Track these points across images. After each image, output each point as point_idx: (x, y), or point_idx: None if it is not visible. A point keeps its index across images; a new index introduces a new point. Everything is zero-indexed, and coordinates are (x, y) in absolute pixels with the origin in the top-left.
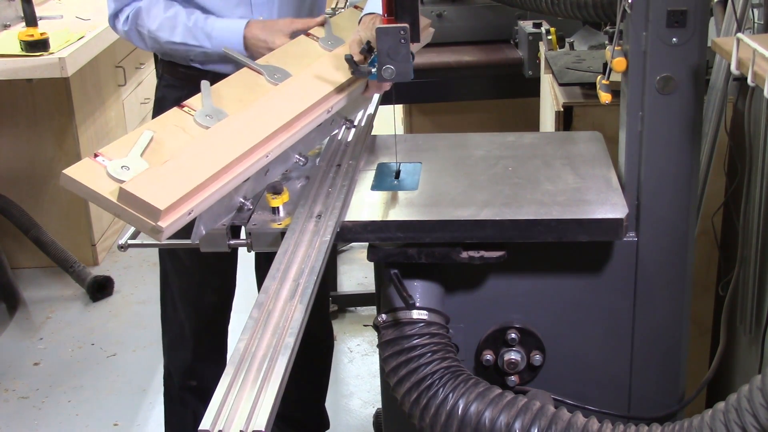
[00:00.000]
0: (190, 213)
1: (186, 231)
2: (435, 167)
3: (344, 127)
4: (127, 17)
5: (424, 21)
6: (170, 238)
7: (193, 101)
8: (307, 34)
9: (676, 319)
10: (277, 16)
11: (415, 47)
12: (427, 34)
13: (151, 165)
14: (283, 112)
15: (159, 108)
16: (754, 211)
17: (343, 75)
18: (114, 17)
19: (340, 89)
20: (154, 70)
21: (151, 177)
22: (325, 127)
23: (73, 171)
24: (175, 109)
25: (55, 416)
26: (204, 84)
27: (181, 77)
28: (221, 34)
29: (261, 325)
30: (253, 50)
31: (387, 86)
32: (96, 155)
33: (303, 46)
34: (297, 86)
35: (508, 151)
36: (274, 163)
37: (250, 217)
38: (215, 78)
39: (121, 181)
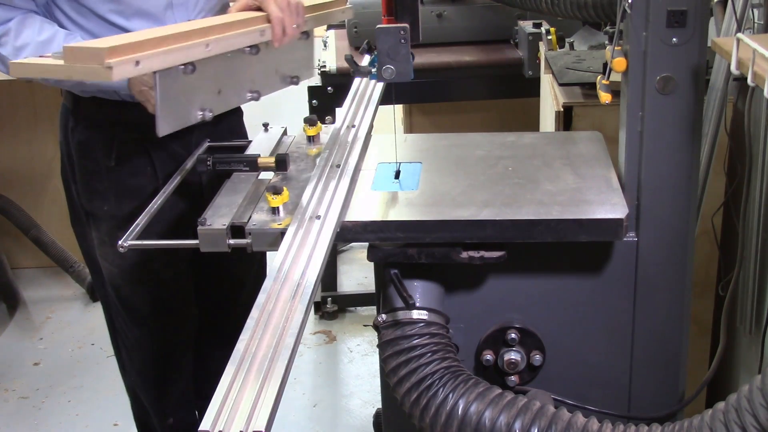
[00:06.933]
0: (137, 64)
1: (183, 233)
2: (435, 167)
3: (345, 127)
4: None
5: None
6: (168, 239)
7: None
8: None
9: (676, 319)
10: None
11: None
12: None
13: None
14: (215, 20)
15: (83, 153)
16: (754, 211)
17: (257, 17)
18: None
19: (261, 21)
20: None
21: (93, 41)
22: (272, 78)
23: (24, 59)
24: None
25: (55, 416)
26: None
27: (110, 114)
28: None
29: (261, 325)
30: (134, 89)
31: (287, 38)
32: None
33: None
34: (222, 18)
35: (508, 151)
36: (225, 88)
37: (250, 217)
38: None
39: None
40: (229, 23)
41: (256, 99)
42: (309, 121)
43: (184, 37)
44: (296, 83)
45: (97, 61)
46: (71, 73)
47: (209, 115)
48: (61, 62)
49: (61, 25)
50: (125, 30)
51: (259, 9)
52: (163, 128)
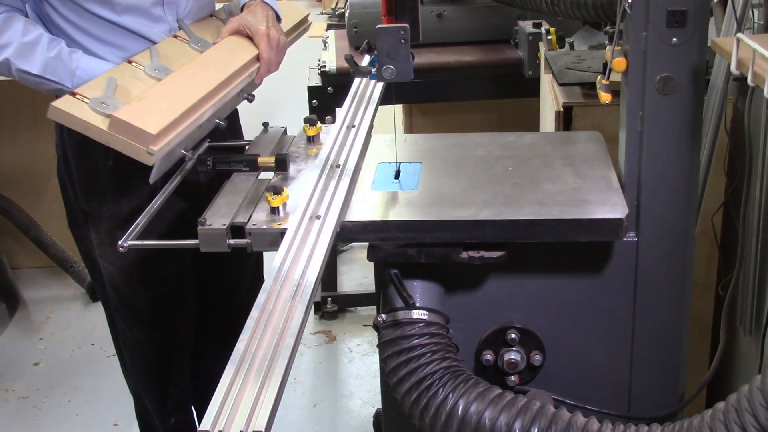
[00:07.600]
0: (169, 143)
1: (183, 233)
2: (435, 167)
3: (344, 127)
4: None
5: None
6: (167, 239)
7: (139, 58)
8: (175, 36)
9: (676, 319)
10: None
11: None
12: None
13: (124, 103)
14: (221, 72)
15: (80, 154)
16: (754, 211)
17: (249, 53)
18: None
19: (252, 61)
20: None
21: (138, 108)
22: (234, 100)
23: (61, 104)
24: (124, 63)
25: (55, 416)
26: (153, 47)
27: None
28: (86, 75)
29: (261, 325)
30: None
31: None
32: (74, 94)
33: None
34: (221, 54)
35: (508, 151)
36: (204, 124)
37: (250, 217)
38: None
39: (105, 114)
40: (229, 77)
41: (222, 125)
42: (309, 121)
43: (201, 104)
44: (251, 100)
45: (142, 144)
46: (111, 141)
47: (189, 155)
48: (103, 127)
49: (52, 21)
50: (116, 25)
51: (248, 36)
52: (155, 176)
